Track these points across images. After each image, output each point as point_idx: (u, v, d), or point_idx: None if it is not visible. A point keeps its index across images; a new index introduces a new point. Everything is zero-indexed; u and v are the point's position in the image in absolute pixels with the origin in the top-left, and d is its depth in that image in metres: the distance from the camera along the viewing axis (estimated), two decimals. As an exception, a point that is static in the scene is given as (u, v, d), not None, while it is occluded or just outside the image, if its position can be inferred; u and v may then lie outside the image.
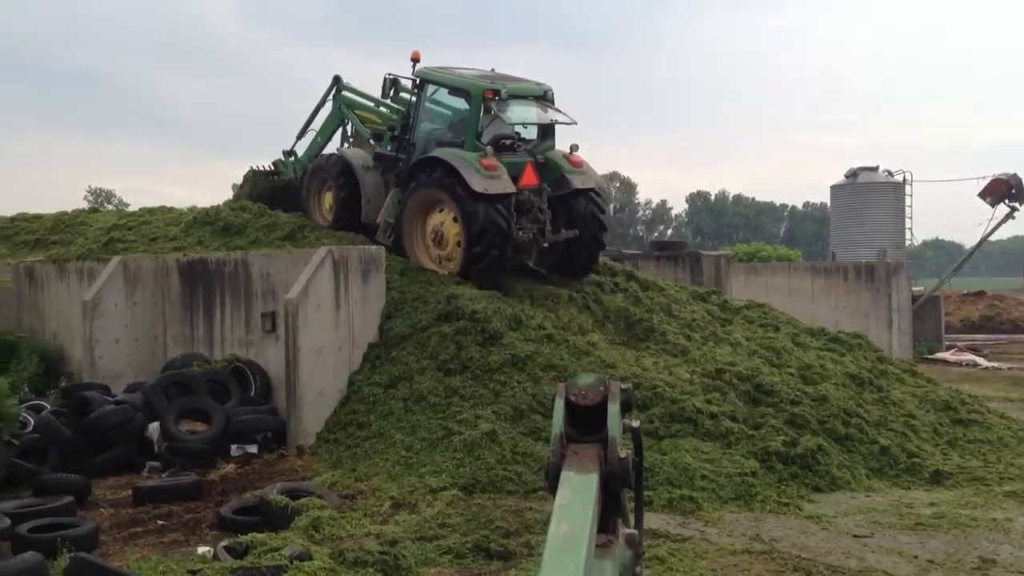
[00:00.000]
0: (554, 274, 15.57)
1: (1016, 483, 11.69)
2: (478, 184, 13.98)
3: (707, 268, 22.52)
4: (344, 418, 12.85)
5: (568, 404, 3.23)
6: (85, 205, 34.60)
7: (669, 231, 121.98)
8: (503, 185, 14.21)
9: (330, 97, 17.94)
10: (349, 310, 13.46)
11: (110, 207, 53.16)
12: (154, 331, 15.86)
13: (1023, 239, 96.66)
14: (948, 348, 29.06)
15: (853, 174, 36.31)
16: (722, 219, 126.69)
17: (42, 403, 13.41)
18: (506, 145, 15.19)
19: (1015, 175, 30.04)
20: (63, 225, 20.36)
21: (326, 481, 11.06)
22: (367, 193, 16.25)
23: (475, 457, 10.94)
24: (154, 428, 12.63)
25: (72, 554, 7.88)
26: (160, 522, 9.97)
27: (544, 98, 15.29)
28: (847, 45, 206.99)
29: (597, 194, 15.60)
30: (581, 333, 13.85)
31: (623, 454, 3.15)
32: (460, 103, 15.36)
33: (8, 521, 8.93)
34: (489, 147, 14.61)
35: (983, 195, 30.47)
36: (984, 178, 30.80)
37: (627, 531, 3.25)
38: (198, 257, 15.69)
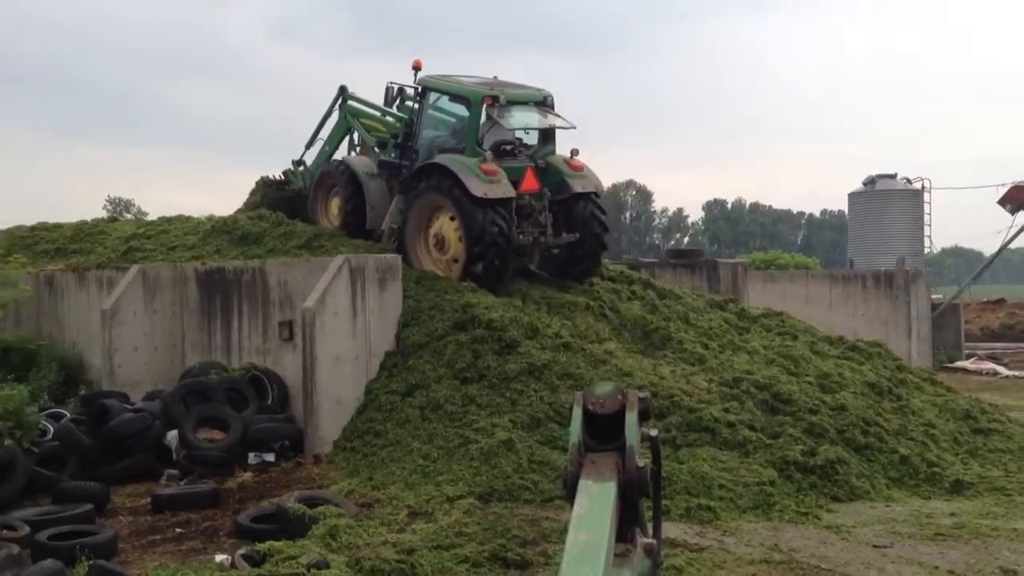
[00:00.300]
0: (556, 278, 15.64)
1: (1038, 493, 11.58)
2: (477, 189, 14.14)
3: (724, 276, 22.46)
4: (361, 426, 12.88)
5: (586, 413, 3.22)
6: (104, 215, 34.66)
7: (686, 239, 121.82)
8: (503, 189, 14.35)
9: (336, 107, 18.10)
10: (366, 318, 13.50)
11: (129, 216, 53.39)
12: (172, 339, 15.94)
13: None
14: (968, 357, 28.79)
15: (871, 181, 36.03)
16: (739, 227, 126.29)
17: (62, 411, 13.51)
18: (507, 150, 15.37)
19: (1034, 182, 29.89)
20: (83, 234, 20.45)
21: (343, 489, 11.07)
22: (372, 200, 16.50)
23: (492, 466, 10.94)
24: (172, 436, 12.69)
25: (91, 562, 7.93)
26: (178, 530, 10.02)
27: (544, 103, 15.47)
28: (872, 53, 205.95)
29: (597, 197, 15.72)
30: (598, 341, 13.85)
31: (641, 463, 3.13)
32: (461, 110, 15.49)
33: (28, 529, 8.99)
34: (489, 152, 14.81)
35: (1003, 202, 30.27)
36: (1004, 185, 30.66)
37: (645, 540, 3.24)
38: (216, 266, 15.77)
